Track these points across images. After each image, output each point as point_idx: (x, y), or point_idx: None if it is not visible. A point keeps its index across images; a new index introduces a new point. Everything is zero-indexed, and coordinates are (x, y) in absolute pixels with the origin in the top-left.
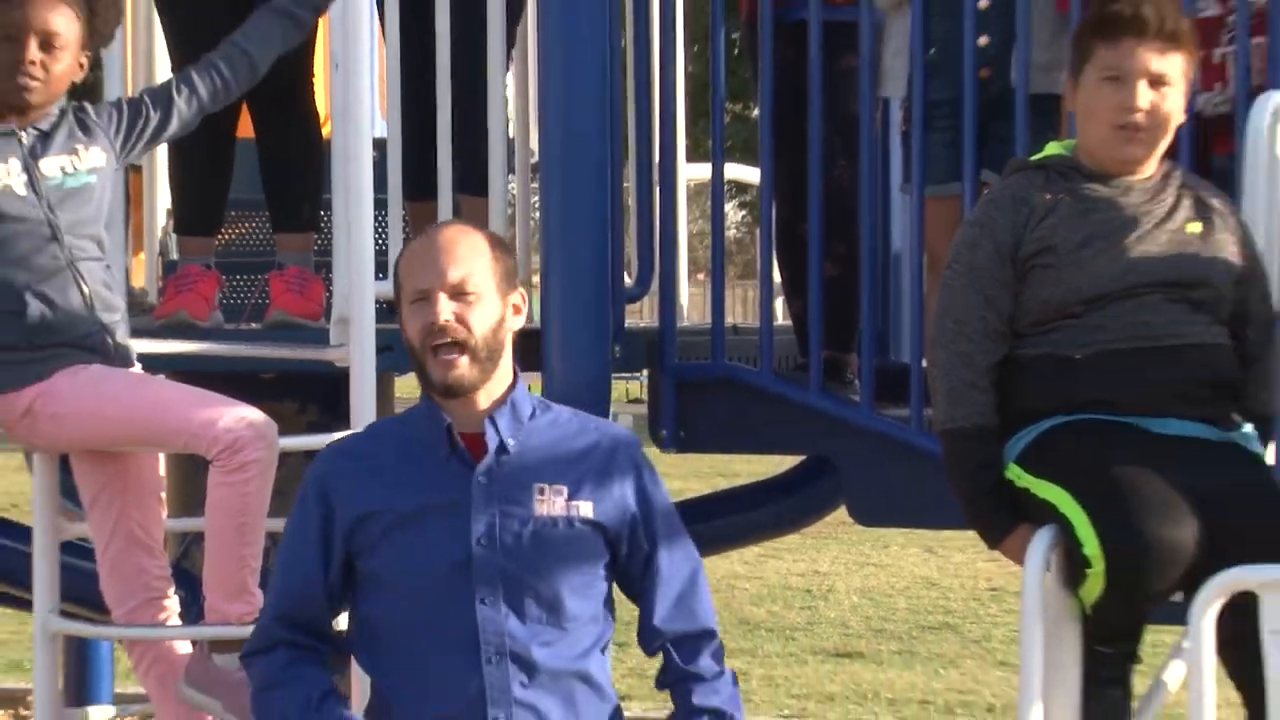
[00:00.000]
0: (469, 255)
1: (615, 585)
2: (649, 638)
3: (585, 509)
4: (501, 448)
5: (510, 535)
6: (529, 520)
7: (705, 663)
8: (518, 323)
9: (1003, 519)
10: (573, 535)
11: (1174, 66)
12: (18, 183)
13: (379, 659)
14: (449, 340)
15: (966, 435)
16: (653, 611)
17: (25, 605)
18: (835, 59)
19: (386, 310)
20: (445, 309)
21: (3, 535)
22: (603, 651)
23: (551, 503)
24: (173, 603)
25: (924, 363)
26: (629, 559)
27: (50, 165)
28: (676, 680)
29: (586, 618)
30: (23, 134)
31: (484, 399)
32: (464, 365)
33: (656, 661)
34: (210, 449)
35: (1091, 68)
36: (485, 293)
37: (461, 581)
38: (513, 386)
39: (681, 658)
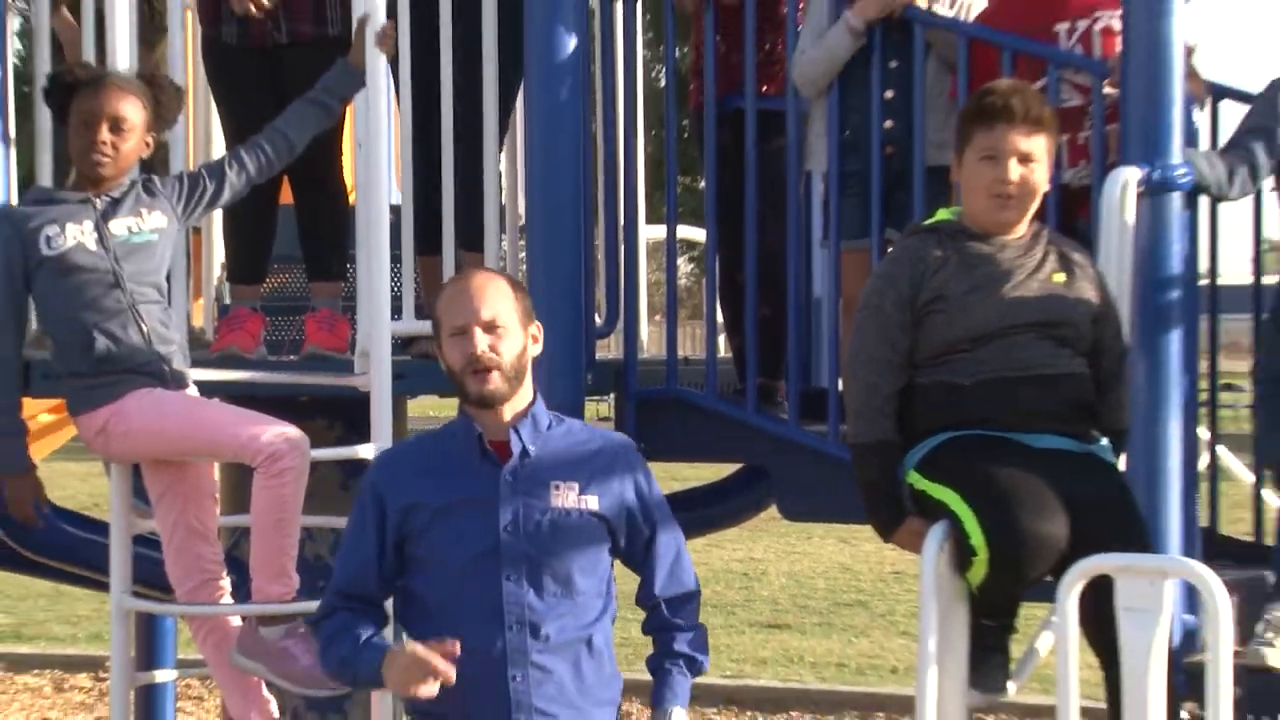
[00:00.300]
0: (497, 297)
1: (619, 562)
2: (648, 600)
3: (592, 502)
4: (524, 452)
5: (532, 524)
6: (547, 511)
7: (686, 618)
8: (536, 349)
9: (894, 516)
10: (582, 524)
11: (1039, 146)
12: (89, 240)
13: (421, 625)
14: (485, 367)
15: (870, 449)
16: (653, 581)
17: (104, 587)
18: (767, 140)
19: (401, 345)
20: (481, 342)
21: (86, 530)
22: (611, 621)
23: (565, 497)
24: (226, 584)
25: (840, 387)
26: (630, 542)
27: (118, 225)
28: (660, 628)
29: (593, 592)
30: (97, 201)
31: (508, 412)
32: (496, 380)
33: (624, 634)
34: (254, 459)
35: (971, 149)
36: (511, 326)
37: (491, 562)
38: (533, 403)
39: (669, 612)
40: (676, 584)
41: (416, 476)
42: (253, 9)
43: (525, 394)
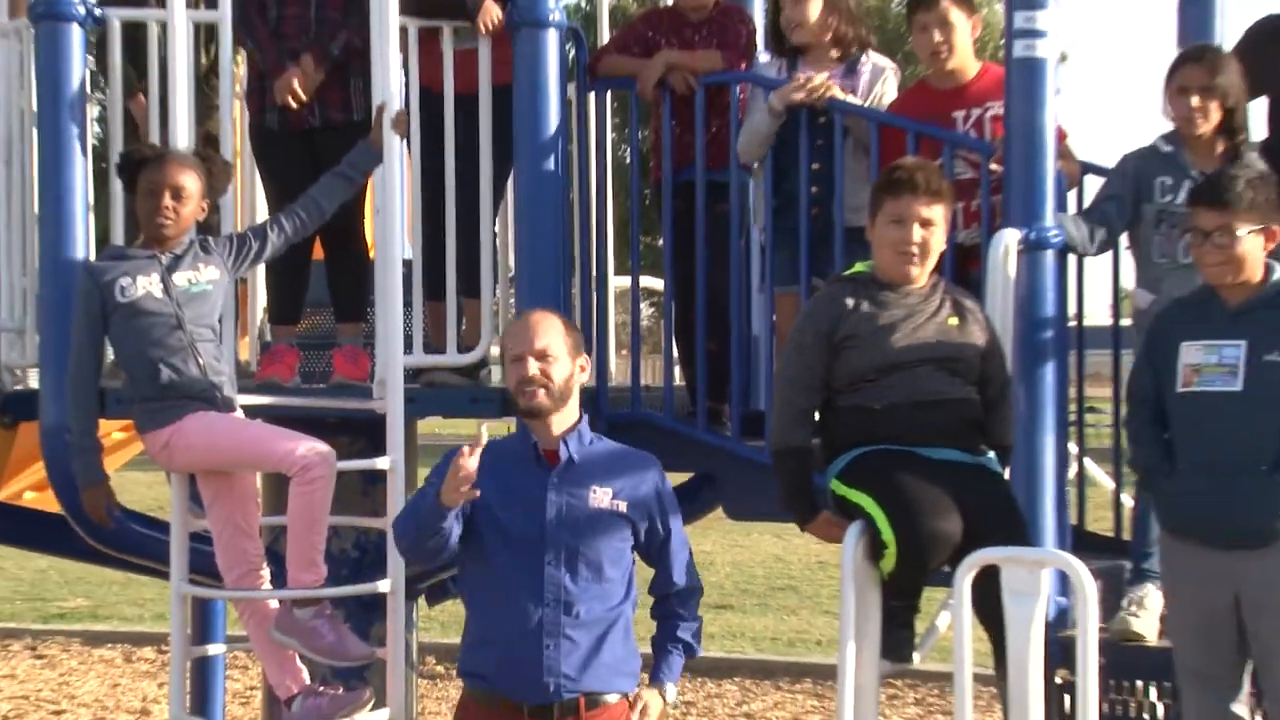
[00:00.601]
0: (548, 330)
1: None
2: (663, 589)
3: (622, 505)
4: (570, 460)
5: (572, 519)
6: (585, 509)
7: (692, 610)
8: (584, 377)
9: (807, 508)
10: (613, 522)
11: (937, 213)
12: (156, 289)
13: (475, 595)
14: (535, 387)
15: (788, 453)
16: (671, 573)
17: (165, 575)
18: (714, 206)
19: (411, 375)
20: (532, 367)
21: (151, 529)
22: (632, 608)
23: (601, 499)
24: (266, 573)
25: None
26: (649, 540)
27: (180, 277)
28: (668, 615)
29: (618, 580)
30: (162, 257)
31: (558, 427)
32: (541, 395)
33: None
34: (289, 469)
35: (882, 214)
36: (560, 356)
37: (536, 547)
38: (579, 421)
39: (678, 604)
40: (691, 576)
41: (481, 472)
42: (291, 101)
43: (572, 413)
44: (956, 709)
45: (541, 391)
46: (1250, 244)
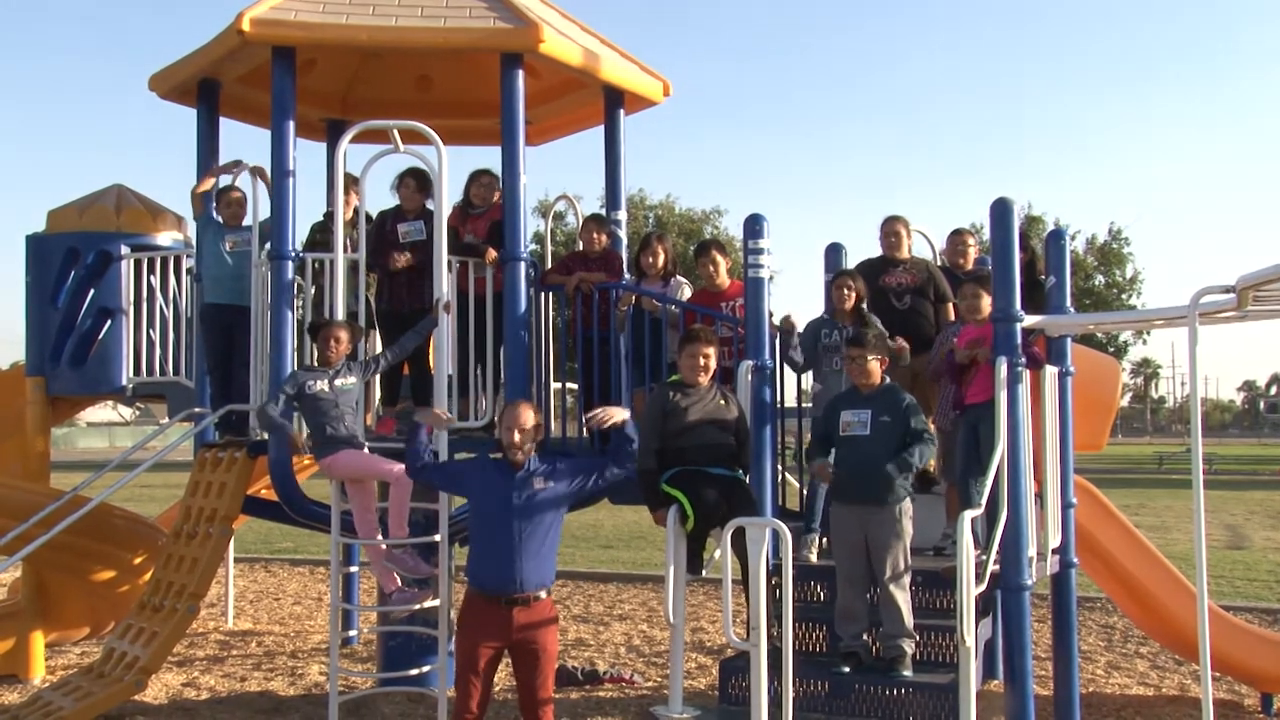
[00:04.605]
0: (527, 411)
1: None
2: (605, 462)
3: (554, 491)
4: (527, 469)
5: (529, 498)
6: (535, 493)
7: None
8: (538, 435)
9: (657, 503)
10: (549, 501)
11: (712, 351)
12: (325, 387)
13: (476, 542)
14: (520, 442)
15: (646, 473)
16: (604, 462)
17: (329, 531)
18: (602, 348)
19: (451, 432)
20: (516, 433)
21: (322, 508)
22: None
23: (544, 488)
24: (380, 531)
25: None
26: (579, 479)
27: (338, 381)
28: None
29: (554, 532)
30: (329, 371)
31: (522, 456)
32: (521, 453)
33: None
34: (391, 479)
35: (685, 351)
36: (529, 423)
37: (509, 512)
38: (531, 451)
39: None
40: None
41: (481, 470)
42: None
43: (530, 450)
44: (724, 598)
45: (525, 446)
46: (874, 364)
